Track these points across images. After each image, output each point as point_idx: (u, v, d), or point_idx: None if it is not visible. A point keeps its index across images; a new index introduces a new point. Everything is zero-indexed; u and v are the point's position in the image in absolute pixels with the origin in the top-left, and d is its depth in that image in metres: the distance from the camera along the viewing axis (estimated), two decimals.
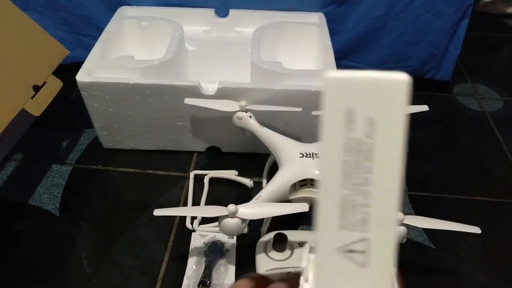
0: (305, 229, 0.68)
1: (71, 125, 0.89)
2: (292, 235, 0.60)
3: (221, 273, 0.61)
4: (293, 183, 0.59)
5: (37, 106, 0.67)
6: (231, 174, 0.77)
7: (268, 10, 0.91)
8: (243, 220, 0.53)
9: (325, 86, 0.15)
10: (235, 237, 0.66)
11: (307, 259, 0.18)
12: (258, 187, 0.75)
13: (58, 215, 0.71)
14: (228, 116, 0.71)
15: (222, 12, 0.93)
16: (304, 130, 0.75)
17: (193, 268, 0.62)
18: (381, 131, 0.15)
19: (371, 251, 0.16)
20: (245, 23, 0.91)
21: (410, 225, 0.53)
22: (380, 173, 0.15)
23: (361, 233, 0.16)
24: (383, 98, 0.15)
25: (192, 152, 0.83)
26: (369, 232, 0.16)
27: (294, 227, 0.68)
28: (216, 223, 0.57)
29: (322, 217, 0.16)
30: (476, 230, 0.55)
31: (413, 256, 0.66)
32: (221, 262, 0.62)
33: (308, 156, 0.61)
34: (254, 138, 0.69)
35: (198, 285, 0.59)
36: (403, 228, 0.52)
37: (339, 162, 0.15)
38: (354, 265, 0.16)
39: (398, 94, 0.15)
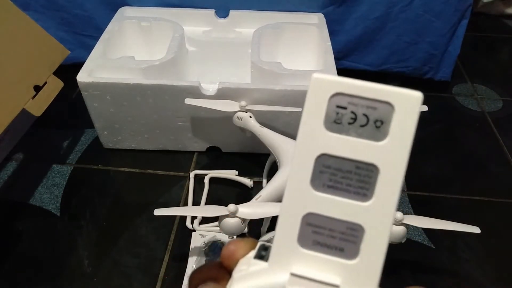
0: None
1: (72, 125, 0.89)
2: None
3: None
4: None
5: (38, 106, 0.68)
6: (231, 174, 0.77)
7: (268, 11, 0.91)
8: (243, 220, 0.53)
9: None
10: (235, 237, 0.66)
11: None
12: (258, 187, 0.75)
13: (58, 215, 0.71)
14: (228, 116, 0.71)
15: (222, 13, 0.93)
16: None
17: (194, 267, 0.62)
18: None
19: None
20: (245, 24, 0.92)
21: (410, 225, 0.53)
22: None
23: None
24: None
25: (192, 152, 0.83)
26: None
27: None
28: (216, 223, 0.57)
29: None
30: (476, 230, 0.55)
31: (412, 255, 0.67)
32: None
33: None
34: (254, 138, 0.69)
35: None
36: (402, 228, 0.52)
37: None
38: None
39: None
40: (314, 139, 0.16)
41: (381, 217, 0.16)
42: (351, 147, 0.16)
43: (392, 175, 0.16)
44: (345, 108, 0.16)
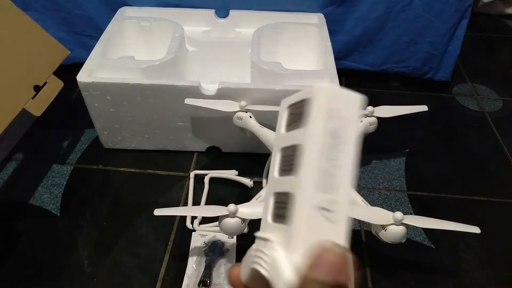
0: None
1: (72, 125, 0.89)
2: None
3: (221, 273, 0.61)
4: None
5: (38, 106, 0.68)
6: (231, 174, 0.77)
7: (268, 11, 0.91)
8: (243, 220, 0.53)
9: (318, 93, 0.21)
10: (235, 237, 0.66)
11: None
12: (258, 187, 0.76)
13: (58, 214, 0.71)
14: (228, 116, 0.71)
15: (223, 13, 0.93)
16: None
17: (194, 267, 0.62)
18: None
19: (339, 210, 0.20)
20: (245, 24, 0.92)
21: (410, 225, 0.53)
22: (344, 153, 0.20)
23: (331, 195, 0.20)
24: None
25: (192, 152, 0.83)
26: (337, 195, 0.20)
27: None
28: (216, 223, 0.57)
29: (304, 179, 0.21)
30: (476, 230, 0.55)
31: (412, 255, 0.67)
32: (221, 262, 0.63)
33: None
34: (254, 138, 0.69)
35: (199, 284, 0.60)
36: (402, 228, 0.52)
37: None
38: (325, 220, 0.20)
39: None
40: (279, 139, 0.23)
41: (303, 186, 0.20)
42: (291, 137, 0.22)
43: (311, 150, 0.20)
44: (293, 113, 0.22)
